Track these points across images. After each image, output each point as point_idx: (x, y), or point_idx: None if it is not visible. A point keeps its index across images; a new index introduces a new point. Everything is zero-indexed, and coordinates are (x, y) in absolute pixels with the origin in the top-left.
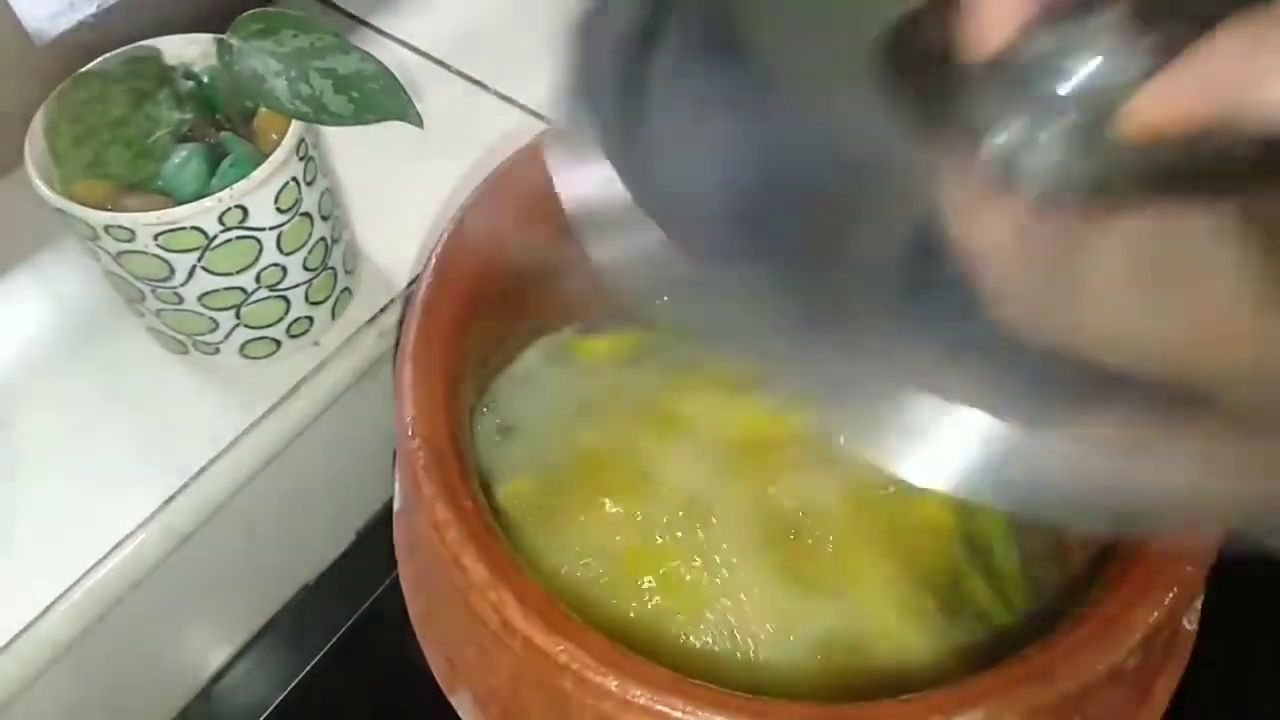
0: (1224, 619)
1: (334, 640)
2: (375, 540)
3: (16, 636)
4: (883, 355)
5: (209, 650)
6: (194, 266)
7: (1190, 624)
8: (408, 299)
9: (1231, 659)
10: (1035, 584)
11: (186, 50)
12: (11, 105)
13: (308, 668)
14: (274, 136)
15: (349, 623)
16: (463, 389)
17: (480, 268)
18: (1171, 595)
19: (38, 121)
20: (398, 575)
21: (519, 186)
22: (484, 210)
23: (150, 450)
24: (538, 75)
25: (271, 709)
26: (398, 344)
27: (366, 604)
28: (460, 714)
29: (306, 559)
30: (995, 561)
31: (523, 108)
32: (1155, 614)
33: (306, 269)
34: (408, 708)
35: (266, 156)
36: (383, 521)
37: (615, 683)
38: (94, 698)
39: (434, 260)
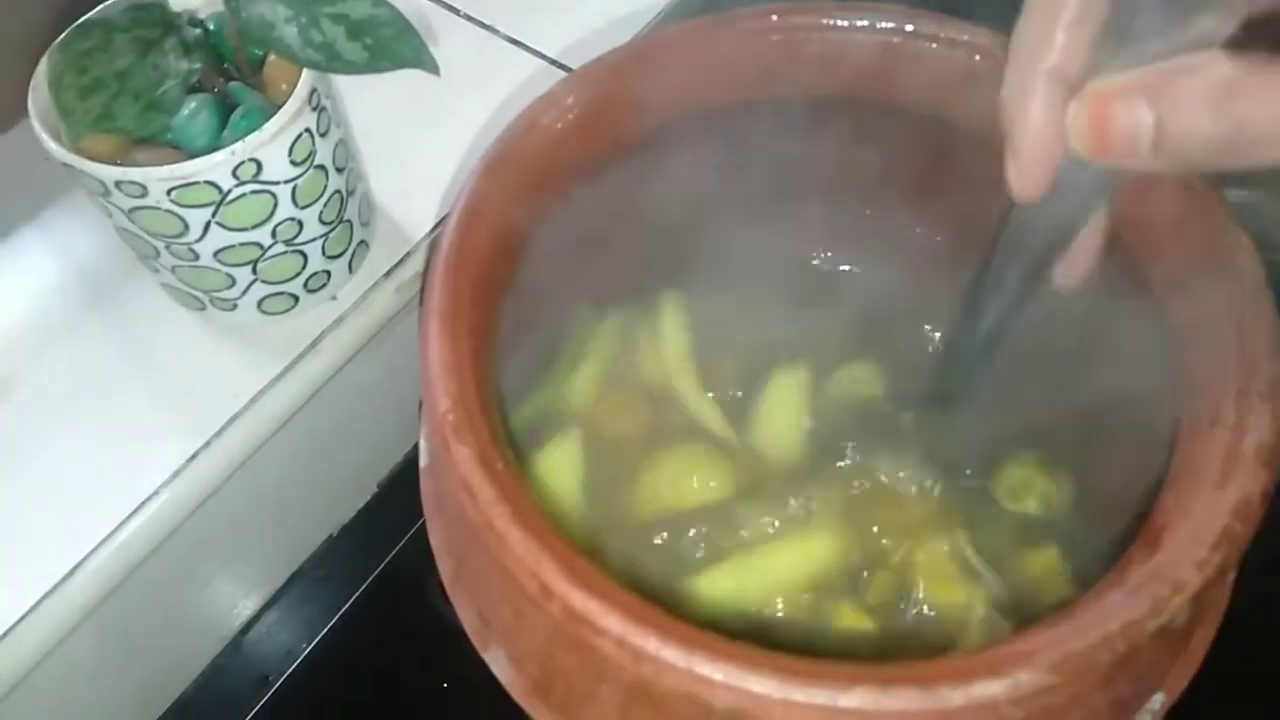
0: None
1: (360, 590)
2: (397, 492)
3: (45, 597)
4: None
5: (237, 602)
6: (208, 222)
7: (1228, 577)
8: (429, 251)
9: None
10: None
11: None
12: (10, 56)
13: (336, 617)
14: (284, 86)
15: (374, 573)
16: (491, 344)
17: (505, 222)
18: (1221, 555)
19: (41, 73)
20: (421, 526)
21: (543, 138)
22: (508, 161)
23: (171, 408)
24: (545, 19)
25: (301, 658)
26: (421, 300)
27: (391, 554)
28: (494, 670)
29: (329, 512)
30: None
31: (534, 52)
32: (1207, 573)
33: (323, 222)
34: (434, 653)
35: (277, 107)
36: (404, 473)
37: (656, 646)
38: (125, 653)
39: (456, 216)
